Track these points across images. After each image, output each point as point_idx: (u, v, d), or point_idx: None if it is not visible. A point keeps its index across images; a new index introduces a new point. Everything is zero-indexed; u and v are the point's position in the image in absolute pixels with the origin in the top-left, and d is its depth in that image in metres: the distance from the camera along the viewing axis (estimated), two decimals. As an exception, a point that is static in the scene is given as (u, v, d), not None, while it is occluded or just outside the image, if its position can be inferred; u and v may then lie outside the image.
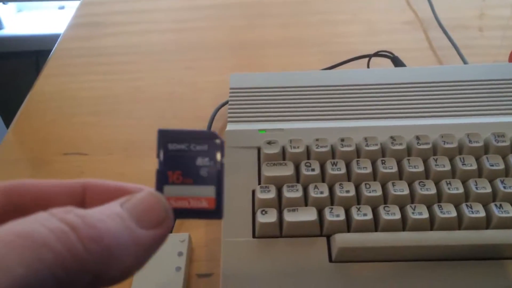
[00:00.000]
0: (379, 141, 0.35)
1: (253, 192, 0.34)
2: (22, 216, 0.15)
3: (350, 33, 0.59)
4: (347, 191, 0.33)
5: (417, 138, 0.35)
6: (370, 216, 0.31)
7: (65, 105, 0.51)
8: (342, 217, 0.31)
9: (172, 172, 0.19)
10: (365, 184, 0.33)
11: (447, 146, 0.35)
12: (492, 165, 0.33)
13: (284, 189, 0.33)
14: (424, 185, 0.33)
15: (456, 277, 0.30)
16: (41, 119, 0.49)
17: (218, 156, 0.19)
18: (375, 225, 0.31)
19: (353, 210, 0.32)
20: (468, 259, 0.31)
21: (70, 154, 0.45)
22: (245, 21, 0.62)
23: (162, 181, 0.19)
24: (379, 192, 0.32)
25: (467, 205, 0.31)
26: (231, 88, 0.42)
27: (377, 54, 0.49)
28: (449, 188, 0.32)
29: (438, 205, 0.31)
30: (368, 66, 0.49)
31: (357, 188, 0.33)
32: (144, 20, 0.64)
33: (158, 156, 0.19)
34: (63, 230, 0.14)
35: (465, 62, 0.50)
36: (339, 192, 0.32)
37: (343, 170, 0.34)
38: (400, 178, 0.34)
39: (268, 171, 0.34)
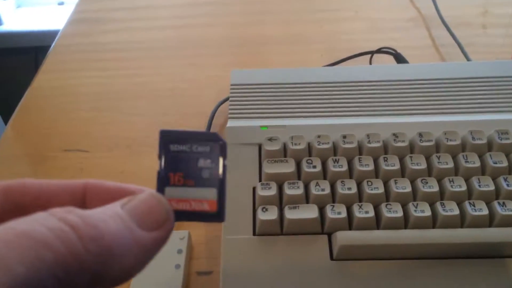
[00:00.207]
0: (381, 138, 0.35)
1: (254, 189, 0.34)
2: (22, 215, 0.15)
3: (353, 30, 0.58)
4: (349, 188, 0.32)
5: (420, 135, 0.35)
6: (372, 213, 0.31)
7: (65, 101, 0.50)
8: (344, 214, 0.31)
9: (173, 173, 0.19)
10: (367, 181, 0.33)
11: (450, 143, 0.34)
12: (496, 163, 0.33)
13: (285, 186, 0.33)
14: (427, 182, 0.32)
15: (458, 275, 0.30)
16: (40, 115, 0.49)
17: (220, 158, 0.19)
18: (377, 222, 0.31)
19: (355, 207, 0.31)
20: (471, 257, 0.30)
21: (71, 150, 0.45)
22: (246, 18, 0.62)
23: (163, 182, 0.19)
24: (381, 190, 0.32)
25: (470, 203, 0.31)
26: (232, 84, 0.41)
27: (379, 51, 0.49)
28: (452, 186, 0.32)
29: (441, 203, 0.31)
30: (370, 63, 0.49)
31: (359, 185, 0.33)
32: (144, 16, 0.63)
33: (159, 157, 0.19)
34: (64, 230, 0.14)
35: (468, 59, 0.50)
36: (340, 189, 0.32)
37: (345, 167, 0.34)
38: (403, 176, 0.34)
39: (269, 168, 0.34)
